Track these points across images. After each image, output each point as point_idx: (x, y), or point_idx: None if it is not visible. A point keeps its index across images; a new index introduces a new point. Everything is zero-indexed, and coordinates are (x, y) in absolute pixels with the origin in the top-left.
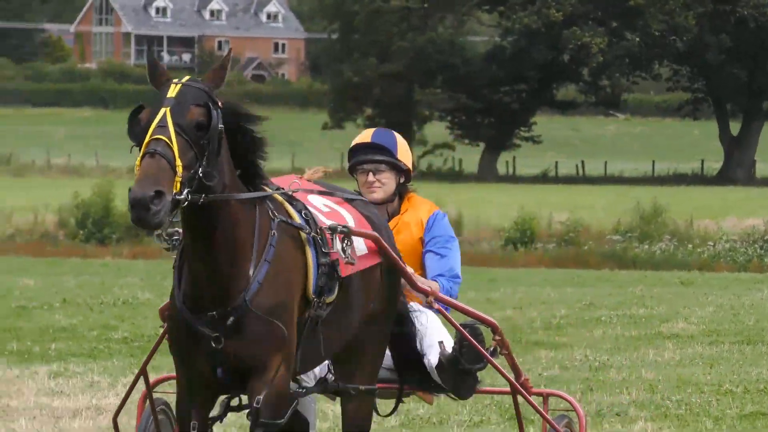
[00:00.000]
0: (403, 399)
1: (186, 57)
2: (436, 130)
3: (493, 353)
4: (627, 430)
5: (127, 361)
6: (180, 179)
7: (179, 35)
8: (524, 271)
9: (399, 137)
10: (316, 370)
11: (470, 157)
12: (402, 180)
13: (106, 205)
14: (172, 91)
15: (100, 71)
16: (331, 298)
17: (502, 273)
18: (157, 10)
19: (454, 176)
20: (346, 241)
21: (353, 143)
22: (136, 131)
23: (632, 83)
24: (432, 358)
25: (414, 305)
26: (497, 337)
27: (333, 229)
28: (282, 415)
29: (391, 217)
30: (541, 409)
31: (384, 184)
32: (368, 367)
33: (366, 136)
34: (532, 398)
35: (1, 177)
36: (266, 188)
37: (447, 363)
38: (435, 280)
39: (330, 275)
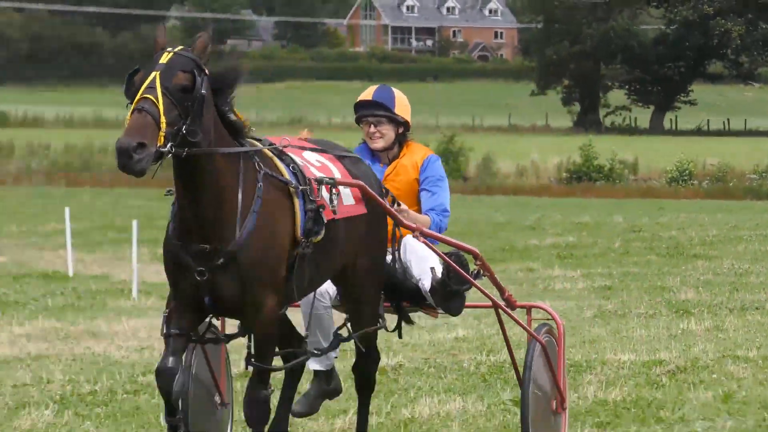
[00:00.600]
0: (412, 320)
1: (429, 42)
2: (617, 96)
3: (477, 276)
4: (765, 320)
5: None
6: (164, 134)
7: (424, 26)
8: (685, 201)
9: (398, 93)
10: (331, 290)
11: (643, 116)
12: (401, 130)
13: None
14: (164, 58)
15: (366, 54)
16: (317, 239)
17: (668, 203)
18: (408, 7)
19: (631, 131)
20: (332, 191)
21: (357, 99)
22: (131, 90)
23: (766, 61)
24: (425, 283)
25: (408, 238)
26: (478, 262)
27: (319, 181)
28: (271, 352)
29: (391, 161)
30: (523, 322)
31: (384, 134)
32: (370, 308)
33: (368, 93)
34: (518, 310)
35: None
36: (253, 144)
37: (438, 286)
38: (427, 215)
39: (316, 220)
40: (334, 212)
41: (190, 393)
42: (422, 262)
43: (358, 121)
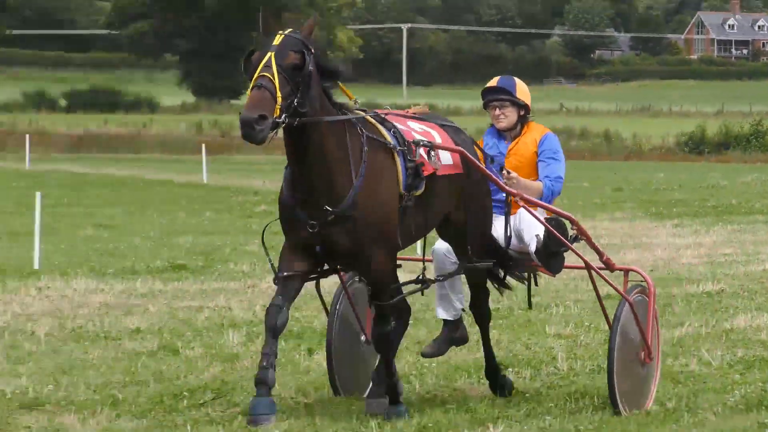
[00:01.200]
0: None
1: (744, 51)
2: None
3: (574, 240)
4: None
5: None
6: (279, 107)
7: (741, 39)
8: None
9: (519, 81)
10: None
11: None
12: (522, 113)
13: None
14: (277, 40)
15: (698, 60)
16: (418, 192)
17: None
18: (729, 25)
19: None
20: (431, 152)
21: (485, 87)
22: (249, 69)
23: None
24: (532, 247)
25: (521, 210)
26: (574, 228)
27: (416, 143)
28: (388, 291)
29: (513, 138)
30: (615, 284)
31: (507, 116)
32: (478, 244)
33: (494, 81)
34: (616, 272)
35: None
36: (355, 113)
37: (541, 248)
38: (541, 181)
39: (416, 176)
40: (436, 168)
41: (336, 331)
42: (531, 229)
43: (486, 105)
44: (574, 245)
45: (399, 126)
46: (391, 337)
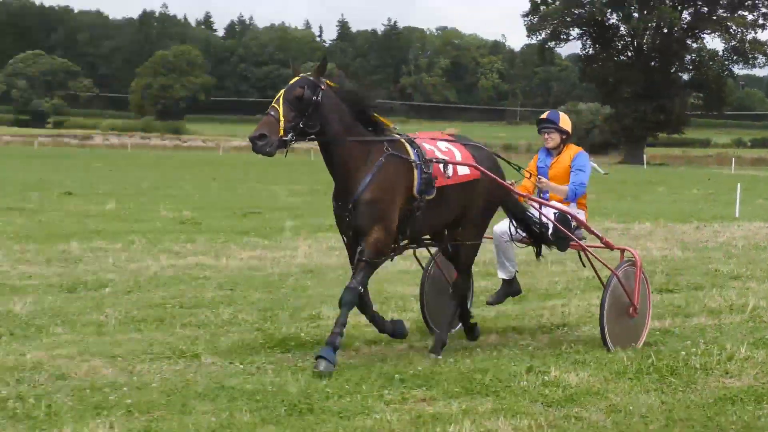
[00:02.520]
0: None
1: None
2: None
3: (575, 229)
4: None
5: None
6: (283, 128)
7: None
8: None
9: (562, 114)
10: (508, 229)
11: None
12: (564, 137)
13: None
14: (292, 81)
15: None
16: (429, 197)
17: None
18: None
19: None
20: (446, 166)
21: (539, 117)
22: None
23: None
24: (549, 232)
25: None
26: (574, 222)
27: (430, 160)
28: (376, 257)
29: (556, 155)
30: (606, 262)
31: (552, 139)
32: (473, 230)
33: (545, 114)
34: (614, 251)
35: None
36: (383, 134)
37: (553, 233)
38: (567, 186)
39: (428, 184)
40: (449, 178)
41: (427, 291)
42: (546, 219)
43: (539, 131)
44: (576, 233)
45: (426, 146)
46: (356, 292)
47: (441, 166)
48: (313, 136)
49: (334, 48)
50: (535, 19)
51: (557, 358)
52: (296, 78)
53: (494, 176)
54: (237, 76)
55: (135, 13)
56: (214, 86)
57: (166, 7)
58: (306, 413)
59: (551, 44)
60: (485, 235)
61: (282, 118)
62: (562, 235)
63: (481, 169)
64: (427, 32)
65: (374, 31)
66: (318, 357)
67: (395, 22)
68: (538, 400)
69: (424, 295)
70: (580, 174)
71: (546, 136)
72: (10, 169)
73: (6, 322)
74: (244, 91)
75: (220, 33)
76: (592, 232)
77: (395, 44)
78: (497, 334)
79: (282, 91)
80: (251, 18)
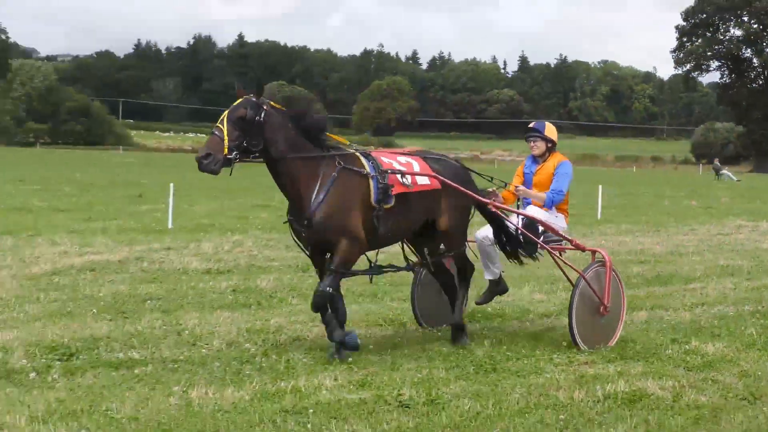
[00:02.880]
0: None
1: None
2: None
3: (543, 233)
4: None
5: None
6: (227, 147)
7: None
8: None
9: (548, 124)
10: (490, 234)
11: None
12: (549, 146)
13: None
14: (236, 102)
15: None
16: (388, 206)
17: None
18: None
19: None
20: (402, 176)
21: (527, 127)
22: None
23: None
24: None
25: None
26: (542, 228)
27: (384, 171)
28: (344, 268)
29: (541, 162)
30: (575, 266)
31: (538, 147)
32: (456, 241)
33: (532, 124)
34: (586, 252)
35: None
36: (330, 150)
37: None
38: (545, 193)
39: (385, 193)
40: (408, 187)
41: (419, 293)
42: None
43: (526, 139)
44: (542, 238)
45: (385, 159)
46: (326, 297)
47: (399, 176)
48: (257, 155)
49: (515, 78)
50: (681, 54)
51: (696, 332)
52: (240, 100)
53: (453, 184)
54: (437, 102)
55: (358, 51)
56: (418, 109)
57: (382, 46)
58: (490, 372)
59: (694, 74)
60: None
61: (226, 138)
62: (529, 240)
63: (440, 177)
64: (591, 65)
65: (548, 64)
66: (338, 349)
67: (565, 57)
68: (681, 365)
69: (417, 301)
70: (560, 182)
71: (532, 144)
72: (258, 174)
73: (255, 295)
74: (442, 113)
75: (424, 66)
76: (561, 236)
77: (565, 75)
78: (646, 311)
79: (226, 112)
80: (449, 54)
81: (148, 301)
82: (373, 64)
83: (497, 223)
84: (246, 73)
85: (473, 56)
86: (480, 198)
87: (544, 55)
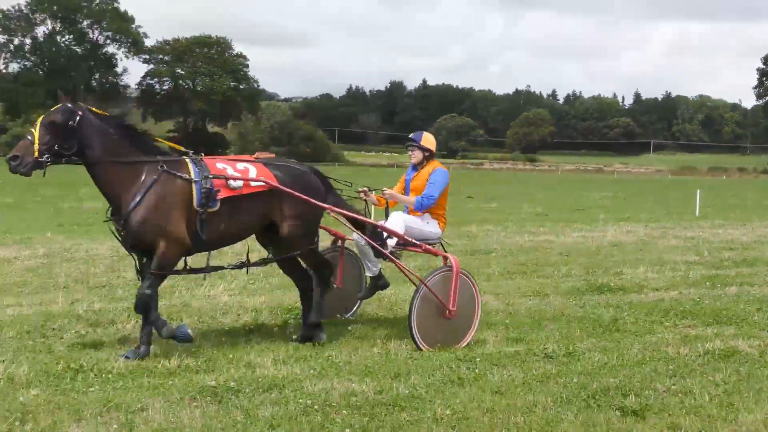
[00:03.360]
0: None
1: None
2: None
3: (385, 238)
4: None
5: None
6: (37, 150)
7: None
8: None
9: (426, 134)
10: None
11: None
12: (426, 154)
13: None
14: (53, 108)
15: None
16: (213, 209)
17: None
18: None
19: None
20: (230, 181)
21: (407, 137)
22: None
23: None
24: (361, 241)
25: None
26: (385, 233)
27: (206, 176)
28: (162, 269)
29: (419, 169)
30: (417, 272)
31: (415, 156)
32: (299, 245)
33: (411, 134)
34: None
35: None
36: (158, 155)
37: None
38: (414, 198)
39: (208, 197)
40: (234, 189)
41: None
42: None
43: (406, 148)
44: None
45: (220, 165)
46: (147, 298)
47: (227, 180)
48: (75, 158)
49: (630, 109)
50: (761, 89)
51: None
52: (57, 105)
53: (284, 188)
54: (570, 128)
55: (511, 90)
56: (556, 133)
57: (529, 86)
58: (614, 332)
59: None
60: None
61: (37, 141)
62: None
63: (272, 183)
64: (690, 98)
65: (656, 98)
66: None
67: (670, 92)
68: (765, 329)
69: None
70: (431, 187)
71: (410, 153)
72: None
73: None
74: (574, 136)
75: (561, 101)
76: (407, 242)
77: (669, 105)
78: (736, 286)
79: (41, 117)
80: (580, 92)
81: None
82: (522, 100)
83: (356, 224)
84: (428, 108)
85: (598, 93)
86: (320, 204)
87: (653, 91)
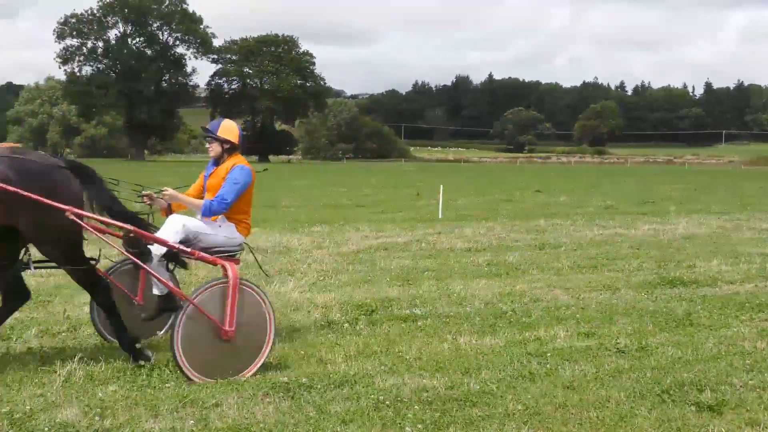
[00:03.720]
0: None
1: None
2: None
3: (137, 244)
4: None
5: None
6: None
7: None
8: None
9: (225, 123)
10: (157, 251)
11: None
12: (226, 147)
13: None
14: None
15: None
16: None
17: None
18: None
19: None
20: None
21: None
22: None
23: None
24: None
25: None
26: (151, 240)
27: None
28: None
29: (219, 164)
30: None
31: (213, 149)
32: (64, 256)
33: (206, 123)
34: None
35: None
36: None
37: (129, 249)
38: (202, 201)
39: None
40: None
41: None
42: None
43: (204, 140)
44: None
45: None
46: None
47: None
48: None
49: (701, 99)
50: None
51: None
52: None
53: (28, 194)
54: (639, 119)
55: (578, 83)
56: (624, 125)
57: (596, 78)
58: (688, 326)
59: None
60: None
61: None
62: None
63: (9, 188)
64: (763, 87)
65: (728, 87)
66: None
67: (742, 81)
68: None
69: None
70: (226, 187)
71: (208, 145)
72: (500, 177)
73: (504, 267)
74: (643, 128)
75: (629, 92)
76: (177, 249)
77: (742, 94)
78: None
79: None
80: (649, 82)
81: (426, 272)
82: (590, 92)
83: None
84: (494, 102)
85: (668, 83)
86: (57, 205)
87: (725, 80)
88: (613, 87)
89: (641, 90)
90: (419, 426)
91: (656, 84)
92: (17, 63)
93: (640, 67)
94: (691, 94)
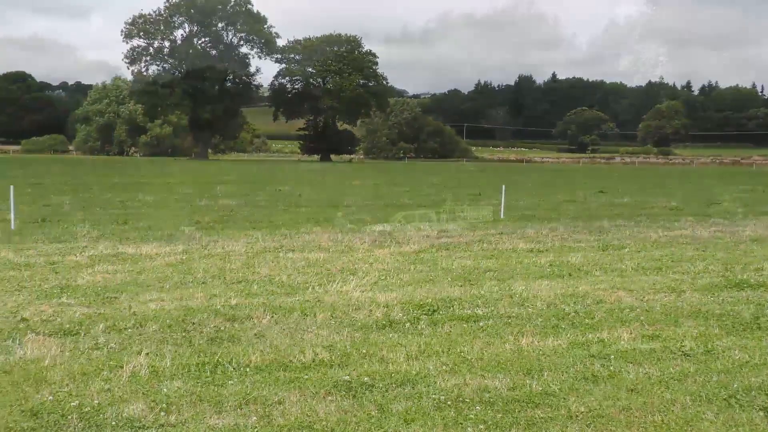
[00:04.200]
0: None
1: None
2: None
3: None
4: None
5: None
6: None
7: None
8: None
9: None
10: None
11: None
12: None
13: None
14: None
15: None
16: None
17: None
18: None
19: None
20: None
21: None
22: None
23: None
24: None
25: None
26: None
27: None
28: None
29: None
30: None
31: None
32: None
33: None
34: None
35: None
36: None
37: None
38: None
39: None
40: None
41: None
42: None
43: None
44: None
45: None
46: None
47: None
48: None
49: None
50: None
51: None
52: None
53: None
54: (705, 119)
55: (643, 82)
56: (690, 125)
57: (662, 78)
58: (755, 330)
59: None
60: None
61: None
62: None
63: None
64: None
65: None
66: None
67: None
68: None
69: None
70: None
71: None
72: (563, 177)
73: (567, 268)
74: (709, 128)
75: (696, 92)
76: None
77: None
78: None
79: None
80: (716, 82)
81: (488, 272)
82: (655, 90)
83: None
84: (557, 101)
85: (736, 83)
86: None
87: None
88: (679, 86)
89: (708, 89)
90: (481, 426)
91: (724, 83)
92: (90, 64)
93: (708, 66)
94: (759, 93)
